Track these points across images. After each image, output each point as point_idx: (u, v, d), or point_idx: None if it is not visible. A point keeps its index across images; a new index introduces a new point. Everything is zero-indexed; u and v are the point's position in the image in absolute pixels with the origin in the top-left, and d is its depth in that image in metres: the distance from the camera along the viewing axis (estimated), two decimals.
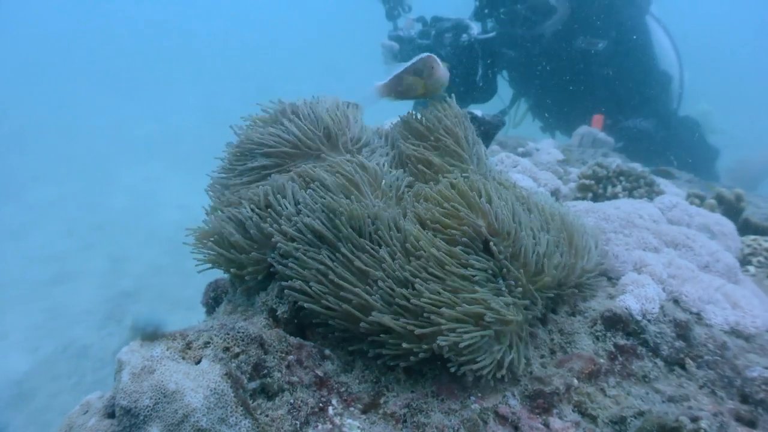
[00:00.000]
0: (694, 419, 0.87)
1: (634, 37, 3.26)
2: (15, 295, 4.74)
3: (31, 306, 4.59)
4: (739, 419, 1.07)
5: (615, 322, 1.16)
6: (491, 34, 3.45)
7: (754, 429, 1.05)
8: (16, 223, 6.39)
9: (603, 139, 2.74)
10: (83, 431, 0.82)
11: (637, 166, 2.20)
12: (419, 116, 1.43)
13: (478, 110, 2.19)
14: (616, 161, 2.15)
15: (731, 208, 1.80)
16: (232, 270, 1.09)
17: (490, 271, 1.03)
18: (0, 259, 5.41)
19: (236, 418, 0.80)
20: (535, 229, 1.13)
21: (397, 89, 1.39)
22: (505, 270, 1.03)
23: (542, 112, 3.64)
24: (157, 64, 15.06)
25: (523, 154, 2.21)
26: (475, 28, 3.44)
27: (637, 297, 1.19)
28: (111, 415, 0.84)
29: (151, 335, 0.89)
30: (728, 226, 1.62)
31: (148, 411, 0.79)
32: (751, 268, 1.63)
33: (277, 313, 1.03)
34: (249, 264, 1.08)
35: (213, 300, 1.28)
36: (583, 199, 1.75)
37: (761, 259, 1.63)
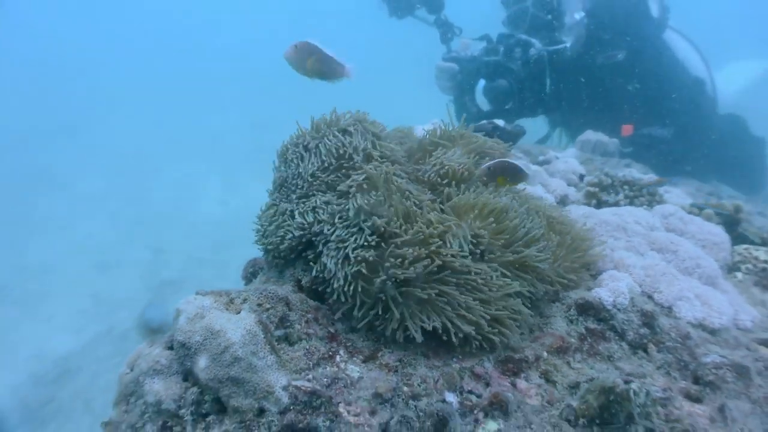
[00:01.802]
0: (627, 382, 1.13)
1: (654, 48, 3.47)
2: (62, 281, 5.27)
3: (77, 291, 5.09)
4: (688, 396, 1.31)
5: (587, 308, 1.42)
6: (561, 45, 3.60)
7: (699, 404, 1.29)
8: (65, 214, 7.02)
9: (606, 141, 2.95)
10: (149, 357, 1.15)
11: (652, 177, 2.43)
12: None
13: (500, 121, 2.46)
14: (632, 172, 2.38)
15: (730, 219, 2.01)
16: (269, 248, 1.42)
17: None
18: (50, 247, 5.99)
19: (264, 353, 1.11)
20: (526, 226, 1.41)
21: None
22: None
23: (571, 129, 3.84)
24: (200, 66, 15.82)
25: (543, 162, 2.47)
26: (538, 43, 3.63)
27: (611, 289, 1.45)
28: (170, 348, 1.16)
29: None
30: (719, 235, 1.84)
31: (198, 345, 1.11)
32: (739, 275, 1.85)
33: (302, 282, 1.35)
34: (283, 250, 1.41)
35: (251, 274, 1.60)
36: (588, 205, 2.00)
37: (749, 266, 1.84)
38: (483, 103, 3.74)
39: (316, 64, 1.55)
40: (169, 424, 1.09)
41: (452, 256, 1.26)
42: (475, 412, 1.15)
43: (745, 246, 1.91)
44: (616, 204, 1.96)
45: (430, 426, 1.08)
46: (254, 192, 1.76)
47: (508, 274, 1.34)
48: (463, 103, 3.96)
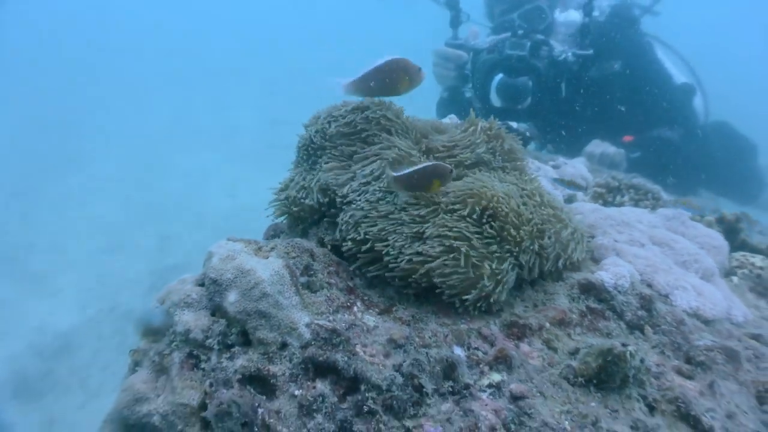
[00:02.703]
0: (624, 345, 1.22)
1: (640, 55, 3.53)
2: (70, 260, 5.37)
3: (84, 270, 5.19)
4: (680, 373, 1.40)
5: (589, 288, 1.51)
6: (590, 51, 3.48)
7: (690, 380, 1.37)
8: (78, 194, 7.15)
9: (612, 153, 3.03)
10: (181, 291, 1.24)
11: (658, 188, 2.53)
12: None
13: (513, 122, 2.57)
14: (636, 178, 2.48)
15: (730, 228, 2.11)
16: (294, 210, 1.52)
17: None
18: (60, 226, 6.10)
19: (290, 293, 1.21)
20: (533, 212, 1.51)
21: (365, 87, 1.54)
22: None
23: (567, 144, 3.73)
24: (217, 61, 16.10)
25: (554, 167, 2.57)
26: (559, 45, 3.50)
27: (612, 273, 1.54)
28: (201, 284, 1.26)
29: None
30: (718, 239, 1.94)
31: (228, 282, 1.20)
32: (735, 279, 1.94)
33: (325, 240, 1.44)
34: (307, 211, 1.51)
35: (272, 236, 1.70)
36: (594, 203, 2.10)
37: (746, 271, 1.94)
38: (494, 99, 3.50)
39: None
40: (195, 352, 1.18)
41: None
42: (481, 365, 1.24)
43: (742, 252, 2.00)
44: (621, 205, 2.06)
45: (440, 370, 1.16)
46: (263, 190, 1.85)
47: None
48: (459, 96, 3.76)
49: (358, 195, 1.42)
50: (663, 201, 2.13)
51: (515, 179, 1.67)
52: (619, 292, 1.53)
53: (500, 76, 3.41)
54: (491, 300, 1.37)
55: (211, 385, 1.13)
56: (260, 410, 1.08)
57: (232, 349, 1.17)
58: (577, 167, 2.43)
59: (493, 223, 1.41)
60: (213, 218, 6.40)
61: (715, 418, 1.21)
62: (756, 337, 1.63)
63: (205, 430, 1.12)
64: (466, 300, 1.34)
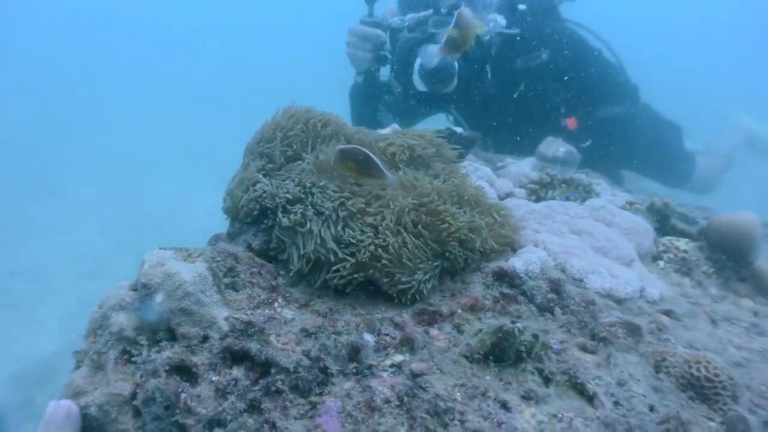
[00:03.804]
0: (513, 323, 1.39)
1: (565, 39, 3.52)
2: (52, 287, 5.56)
3: (66, 297, 5.38)
4: (584, 349, 1.56)
5: (502, 275, 1.68)
6: (516, 31, 3.35)
7: (591, 354, 1.54)
8: (58, 221, 7.39)
9: (563, 154, 3.13)
10: (116, 296, 1.42)
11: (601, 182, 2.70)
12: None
13: (458, 128, 2.75)
14: (577, 174, 2.66)
15: (660, 213, 2.28)
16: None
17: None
18: (41, 253, 6.32)
19: (211, 292, 1.38)
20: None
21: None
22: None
23: (506, 140, 3.69)
24: (200, 78, 16.42)
25: (500, 168, 2.75)
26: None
27: (524, 260, 1.71)
28: (134, 290, 1.44)
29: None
30: (643, 225, 2.11)
31: (156, 285, 1.38)
32: (661, 263, 2.11)
33: (252, 245, 1.62)
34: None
35: (213, 243, 1.88)
36: (528, 200, 2.27)
37: (671, 255, 2.10)
38: (416, 82, 3.29)
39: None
40: (128, 349, 1.36)
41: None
42: (388, 349, 1.41)
43: (669, 237, 2.17)
44: (553, 199, 2.23)
45: (345, 354, 1.34)
46: None
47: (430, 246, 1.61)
48: (375, 80, 3.62)
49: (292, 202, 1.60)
50: (595, 192, 2.30)
51: (446, 177, 1.86)
52: (530, 277, 1.70)
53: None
54: (423, 291, 1.56)
55: (141, 376, 1.31)
56: (183, 395, 1.26)
57: (161, 344, 1.35)
58: (521, 167, 2.61)
59: (427, 219, 1.59)
60: (193, 238, 6.59)
61: (600, 384, 1.38)
62: (667, 312, 1.80)
63: (136, 417, 1.30)
64: (403, 292, 1.53)
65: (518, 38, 3.36)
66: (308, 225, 1.52)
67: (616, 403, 1.33)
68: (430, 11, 3.20)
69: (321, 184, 1.60)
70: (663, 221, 2.28)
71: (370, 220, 1.56)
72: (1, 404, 4.08)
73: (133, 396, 1.30)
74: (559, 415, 1.28)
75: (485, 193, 1.92)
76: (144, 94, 14.47)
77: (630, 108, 3.66)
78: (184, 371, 1.31)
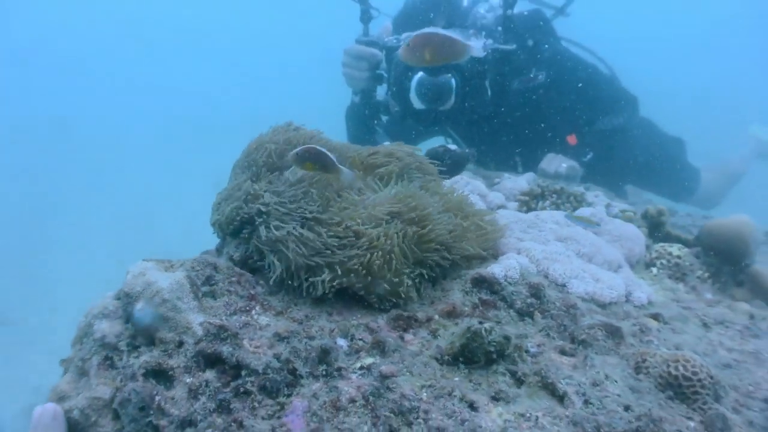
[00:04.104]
0: (481, 323, 1.41)
1: (559, 57, 3.56)
2: (67, 317, 5.74)
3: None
4: (562, 352, 1.57)
5: (481, 282, 1.70)
6: (513, 46, 3.36)
7: (569, 357, 1.54)
8: (75, 250, 7.68)
9: (565, 170, 3.14)
10: (101, 305, 1.49)
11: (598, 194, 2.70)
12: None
13: (453, 145, 2.81)
14: (572, 186, 2.66)
15: (654, 222, 2.27)
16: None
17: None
18: (56, 283, 6.56)
19: (188, 299, 1.45)
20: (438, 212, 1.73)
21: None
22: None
23: (506, 158, 3.71)
24: (205, 108, 16.84)
25: (497, 183, 2.78)
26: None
27: (503, 266, 1.73)
28: (118, 298, 1.51)
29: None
30: (631, 231, 2.11)
31: (137, 293, 1.45)
32: (654, 269, 2.10)
33: (233, 256, 1.69)
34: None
35: None
36: (519, 212, 2.29)
37: (664, 261, 2.09)
38: (413, 100, 3.30)
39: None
40: (110, 355, 1.42)
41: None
42: (360, 353, 1.44)
43: (661, 244, 2.16)
44: (543, 209, 2.25)
45: (315, 356, 1.38)
46: None
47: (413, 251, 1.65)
48: (372, 100, 3.63)
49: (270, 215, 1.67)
50: (587, 202, 2.31)
51: (434, 190, 1.90)
52: (509, 282, 1.72)
53: (420, 74, 3.22)
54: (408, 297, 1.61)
55: (121, 380, 1.37)
56: (157, 397, 1.31)
57: (139, 349, 1.41)
58: (516, 182, 2.64)
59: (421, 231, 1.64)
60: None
61: (571, 384, 1.38)
62: (655, 316, 1.79)
63: (115, 420, 1.36)
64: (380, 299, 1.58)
65: (513, 55, 3.38)
66: (285, 235, 1.58)
67: (587, 402, 1.33)
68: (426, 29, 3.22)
69: (300, 191, 1.66)
70: (657, 228, 2.27)
71: (351, 224, 1.61)
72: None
73: (113, 399, 1.36)
74: (527, 415, 1.29)
75: (470, 201, 1.95)
76: (153, 127, 15.07)
77: (629, 119, 3.66)
78: (161, 374, 1.36)
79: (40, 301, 6.25)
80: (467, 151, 2.66)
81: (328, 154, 1.60)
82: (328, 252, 1.57)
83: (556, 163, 3.17)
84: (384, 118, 3.91)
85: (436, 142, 3.88)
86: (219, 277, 1.56)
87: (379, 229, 1.60)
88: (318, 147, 1.60)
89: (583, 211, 2.17)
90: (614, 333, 1.61)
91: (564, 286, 1.79)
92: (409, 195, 1.68)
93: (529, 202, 2.30)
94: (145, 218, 8.91)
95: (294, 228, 1.59)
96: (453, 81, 3.22)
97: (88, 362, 1.44)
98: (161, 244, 7.82)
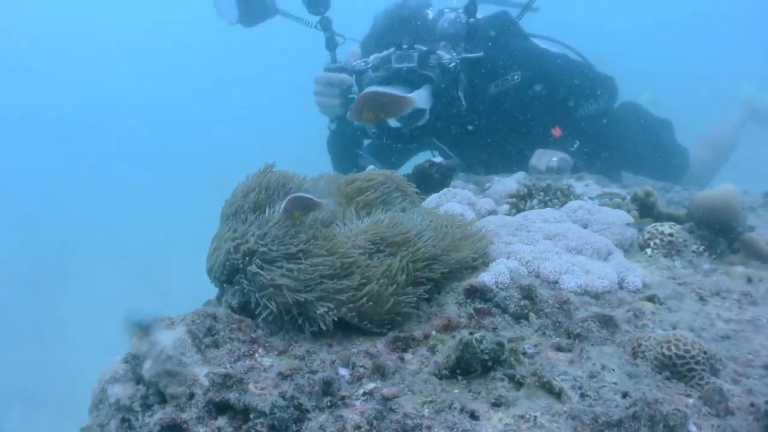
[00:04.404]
0: (471, 333, 1.46)
1: (530, 54, 3.60)
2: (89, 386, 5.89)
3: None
4: (559, 349, 1.61)
5: (473, 292, 1.76)
6: (480, 54, 3.42)
7: (566, 353, 1.58)
8: (86, 319, 7.89)
9: (556, 164, 3.17)
10: (110, 370, 1.58)
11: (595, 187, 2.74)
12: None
13: (438, 158, 2.87)
14: (562, 179, 2.71)
15: (643, 203, 2.31)
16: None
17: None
18: (74, 353, 6.76)
19: (191, 353, 1.52)
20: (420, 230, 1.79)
21: None
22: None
23: (495, 161, 3.74)
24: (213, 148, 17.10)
25: (488, 188, 2.83)
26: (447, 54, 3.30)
27: (493, 273, 1.79)
28: (126, 362, 1.59)
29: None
30: (622, 217, 2.15)
31: (144, 354, 1.53)
32: (649, 251, 2.13)
33: (231, 304, 1.76)
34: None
35: None
36: (509, 215, 2.34)
37: (657, 241, 2.13)
38: (390, 120, 3.24)
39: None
40: (126, 417, 1.50)
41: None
42: (362, 379, 1.50)
43: (653, 224, 2.19)
44: (531, 209, 2.30)
45: (319, 389, 1.44)
46: None
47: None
48: (348, 126, 3.66)
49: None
50: (574, 195, 2.35)
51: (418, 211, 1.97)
52: (501, 288, 1.77)
53: None
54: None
55: None
56: None
57: (153, 407, 1.49)
58: (506, 184, 2.68)
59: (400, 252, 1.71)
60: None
61: (566, 380, 1.42)
62: (650, 298, 1.83)
63: None
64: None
65: (484, 61, 3.45)
66: (273, 274, 1.65)
67: (583, 395, 1.38)
68: (392, 49, 3.24)
69: (282, 231, 1.74)
70: (648, 209, 2.30)
71: (340, 253, 1.68)
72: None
73: None
74: (526, 416, 1.33)
75: (454, 215, 2.01)
76: (164, 175, 15.40)
77: (609, 101, 3.70)
78: (176, 429, 1.43)
79: (58, 372, 6.44)
80: (452, 160, 2.72)
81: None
82: (319, 284, 1.64)
83: (546, 158, 3.21)
84: (366, 141, 3.97)
85: (424, 156, 3.95)
86: (219, 326, 1.64)
87: (368, 260, 1.67)
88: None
89: (571, 205, 2.21)
90: (608, 322, 1.65)
91: (556, 282, 1.83)
92: (387, 223, 1.75)
93: (518, 203, 2.35)
94: (155, 279, 9.11)
95: (281, 266, 1.66)
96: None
97: (106, 427, 1.52)
98: (169, 297, 7.99)
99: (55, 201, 14.26)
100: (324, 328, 1.63)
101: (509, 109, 3.59)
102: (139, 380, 1.55)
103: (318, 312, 1.62)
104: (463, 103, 3.46)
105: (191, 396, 1.46)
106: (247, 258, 1.73)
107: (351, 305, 1.63)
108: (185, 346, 1.52)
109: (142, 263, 9.90)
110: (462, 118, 3.52)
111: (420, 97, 1.87)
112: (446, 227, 1.86)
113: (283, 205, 1.70)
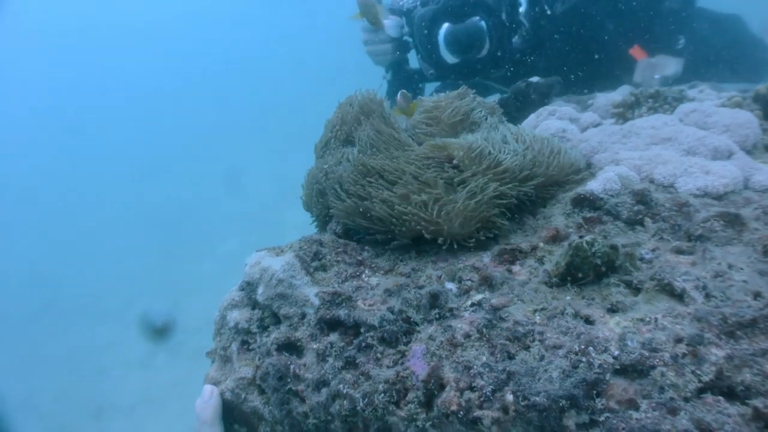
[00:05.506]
0: (581, 237, 1.40)
1: None
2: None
3: None
4: (679, 252, 1.51)
5: (581, 201, 1.68)
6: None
7: (687, 255, 1.48)
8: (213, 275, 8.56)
9: (672, 71, 2.89)
10: (228, 298, 1.67)
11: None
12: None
13: (535, 77, 2.73)
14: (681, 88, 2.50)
15: (765, 99, 2.09)
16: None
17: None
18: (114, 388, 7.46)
19: (301, 275, 1.57)
20: (500, 143, 1.73)
21: None
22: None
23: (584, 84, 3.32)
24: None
25: (590, 105, 2.68)
26: None
27: (601, 180, 1.70)
28: (242, 289, 1.67)
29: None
30: (744, 116, 1.96)
31: (257, 280, 1.60)
32: None
33: (336, 230, 1.80)
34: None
35: None
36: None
37: None
38: (445, 55, 3.10)
39: None
40: (245, 338, 1.59)
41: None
42: (470, 292, 1.49)
43: None
44: (640, 117, 2.15)
45: (426, 303, 1.44)
46: None
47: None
48: (404, 71, 3.43)
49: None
50: (688, 98, 2.17)
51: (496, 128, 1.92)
52: (611, 195, 1.68)
53: (446, 25, 3.00)
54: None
55: (259, 358, 1.53)
56: (292, 366, 1.45)
57: (269, 328, 1.56)
58: (610, 98, 2.53)
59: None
60: None
61: (688, 280, 1.34)
62: None
63: (261, 394, 1.52)
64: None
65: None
66: (362, 194, 1.67)
67: (708, 296, 1.29)
68: None
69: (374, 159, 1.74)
70: None
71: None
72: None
73: (255, 376, 1.52)
74: (646, 318, 1.27)
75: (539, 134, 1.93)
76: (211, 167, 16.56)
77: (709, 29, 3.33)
78: (291, 346, 1.50)
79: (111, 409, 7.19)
80: (552, 78, 2.59)
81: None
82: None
83: (650, 70, 2.96)
84: (422, 85, 3.73)
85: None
86: (325, 250, 1.68)
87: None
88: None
89: (684, 107, 2.05)
90: (733, 221, 1.53)
91: (672, 186, 1.71)
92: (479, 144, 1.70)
93: (624, 113, 2.20)
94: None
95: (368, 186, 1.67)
96: (482, 23, 3.02)
97: (228, 349, 1.61)
98: (195, 314, 8.59)
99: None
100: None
101: (585, 25, 3.26)
102: (254, 305, 1.62)
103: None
104: (526, 25, 3.19)
105: (303, 315, 1.52)
106: (337, 186, 1.76)
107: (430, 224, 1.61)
108: (295, 270, 1.57)
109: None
110: (526, 44, 3.27)
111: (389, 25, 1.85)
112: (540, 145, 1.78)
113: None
